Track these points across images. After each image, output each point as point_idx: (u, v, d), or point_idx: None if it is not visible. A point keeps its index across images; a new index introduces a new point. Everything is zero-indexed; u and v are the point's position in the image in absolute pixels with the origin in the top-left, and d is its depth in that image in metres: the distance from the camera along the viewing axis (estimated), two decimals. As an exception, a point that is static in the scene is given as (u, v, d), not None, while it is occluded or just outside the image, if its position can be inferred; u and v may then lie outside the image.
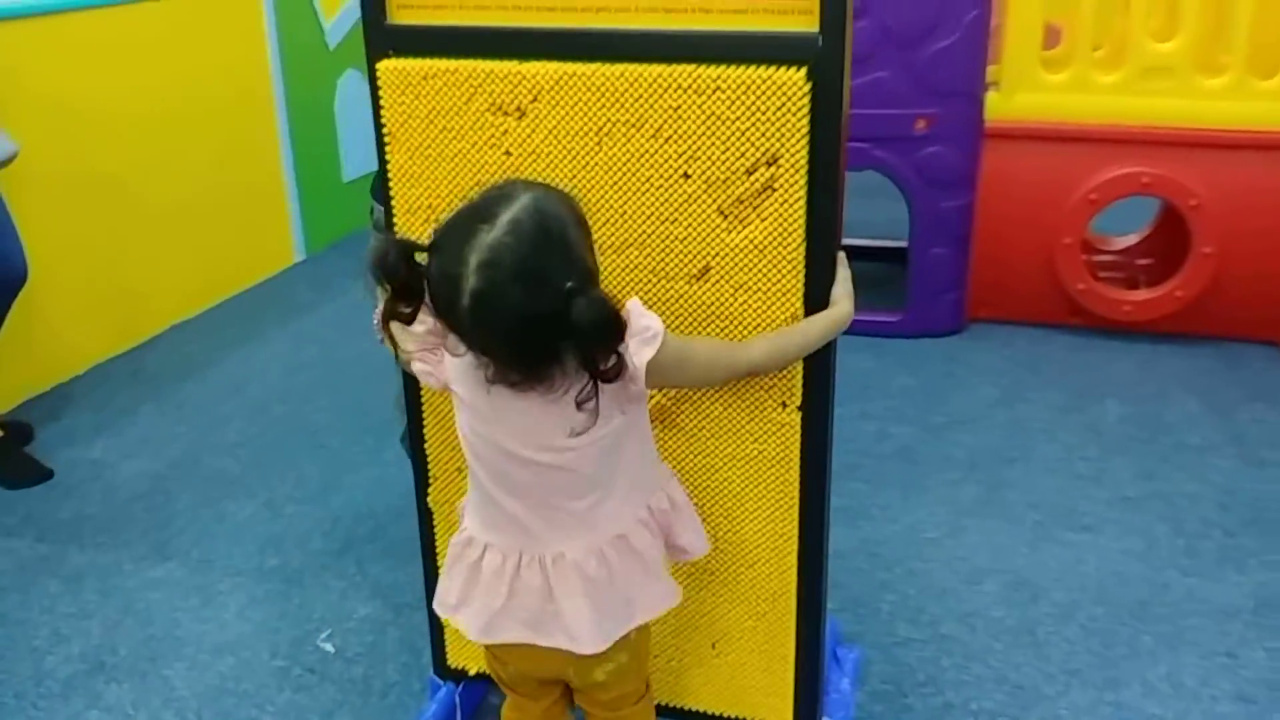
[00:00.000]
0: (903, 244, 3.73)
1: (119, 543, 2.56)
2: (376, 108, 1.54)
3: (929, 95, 3.40)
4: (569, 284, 1.21)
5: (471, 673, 1.89)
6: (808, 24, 1.34)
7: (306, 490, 2.77)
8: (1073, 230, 3.50)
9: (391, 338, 1.41)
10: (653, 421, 1.51)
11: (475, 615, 1.43)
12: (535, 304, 1.21)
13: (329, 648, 2.19)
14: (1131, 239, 3.92)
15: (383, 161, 1.57)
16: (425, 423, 1.72)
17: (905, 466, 2.86)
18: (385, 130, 1.54)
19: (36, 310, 3.13)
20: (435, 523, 1.79)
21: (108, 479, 2.83)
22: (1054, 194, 3.50)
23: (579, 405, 1.28)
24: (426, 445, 1.74)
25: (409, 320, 1.31)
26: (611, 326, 1.24)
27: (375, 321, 1.39)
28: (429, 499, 1.77)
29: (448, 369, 1.40)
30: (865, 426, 3.03)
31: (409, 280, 1.27)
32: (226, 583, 2.41)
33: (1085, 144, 3.44)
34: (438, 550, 1.81)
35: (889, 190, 3.58)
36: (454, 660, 1.90)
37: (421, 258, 1.27)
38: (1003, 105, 3.49)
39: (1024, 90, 3.46)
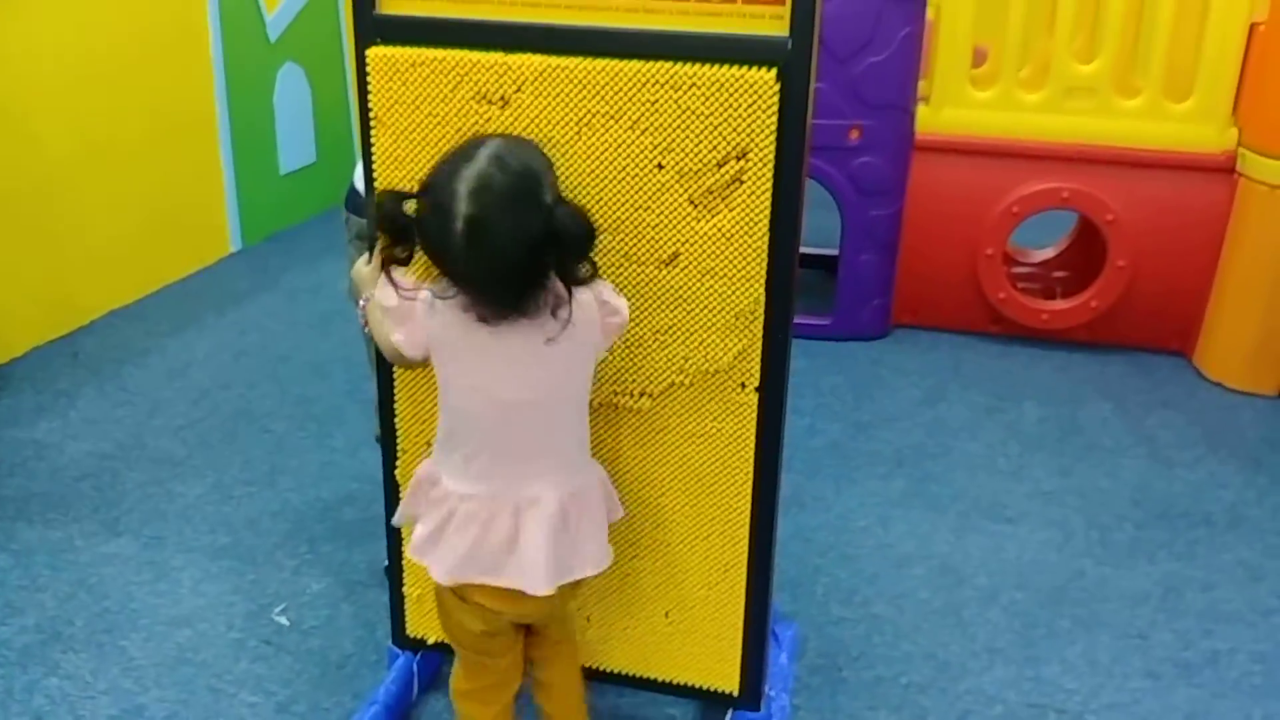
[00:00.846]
0: (833, 251, 3.87)
1: (68, 519, 2.58)
2: (364, 93, 1.61)
3: (862, 107, 3.54)
4: (548, 200, 1.41)
5: (430, 642, 1.95)
6: (779, 28, 1.45)
7: (254, 473, 2.81)
8: (995, 241, 3.66)
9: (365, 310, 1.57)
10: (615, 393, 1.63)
11: (443, 558, 1.52)
12: (524, 220, 1.38)
13: (284, 621, 2.24)
14: (1050, 252, 4.10)
15: (367, 145, 1.64)
16: (396, 398, 1.78)
17: (835, 460, 2.98)
18: (372, 115, 1.61)
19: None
20: (401, 495, 1.85)
21: (52, 459, 2.84)
22: (978, 206, 3.65)
23: (554, 312, 1.42)
24: (397, 420, 1.80)
25: (405, 261, 1.47)
26: (589, 232, 1.43)
27: (349, 285, 1.58)
28: (396, 472, 1.84)
29: (431, 328, 1.48)
30: (798, 421, 3.15)
31: (404, 225, 1.44)
32: (179, 559, 2.45)
33: (1009, 159, 3.60)
34: (403, 522, 1.87)
35: (820, 199, 3.71)
36: (413, 630, 1.97)
37: (410, 208, 1.43)
38: (932, 119, 3.63)
39: (952, 105, 3.62)
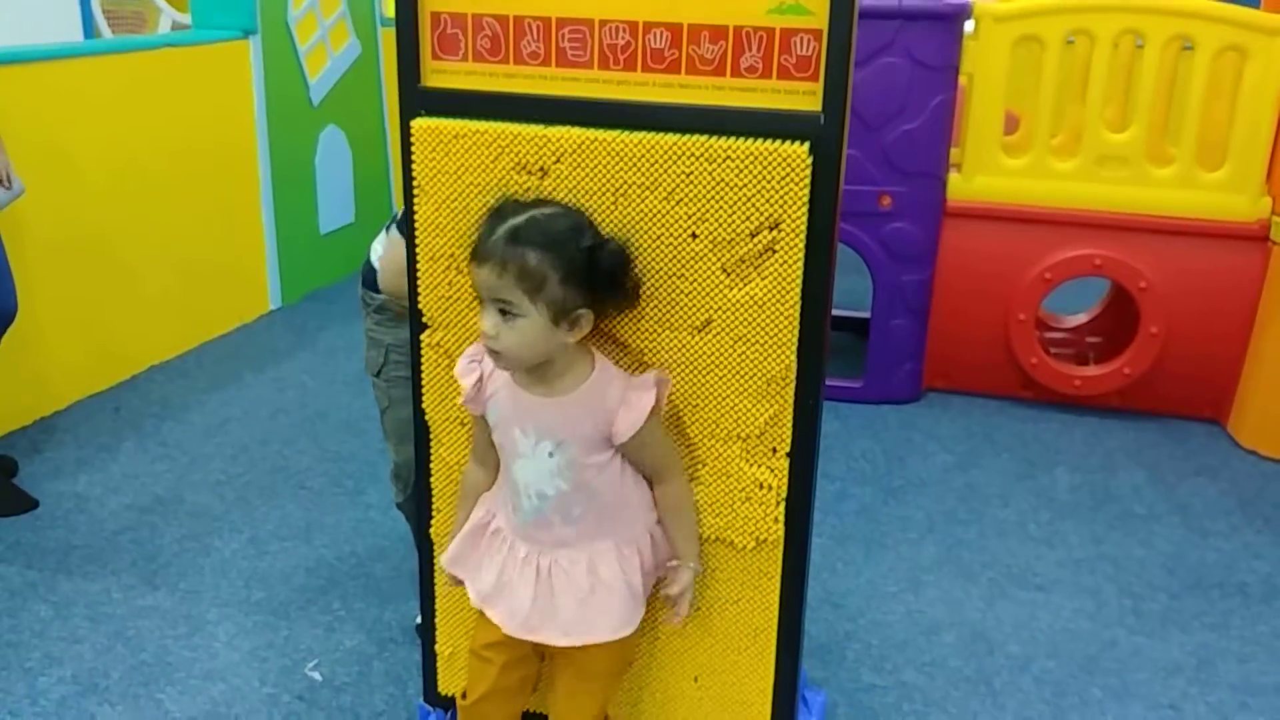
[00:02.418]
0: (865, 315, 3.89)
1: (107, 572, 2.62)
2: (407, 163, 1.66)
3: (894, 174, 3.58)
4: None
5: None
6: (811, 104, 1.49)
7: (290, 529, 2.84)
8: (1027, 307, 3.67)
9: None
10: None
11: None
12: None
13: (317, 676, 2.26)
14: (1082, 318, 4.11)
15: (410, 212, 1.68)
16: (431, 456, 1.82)
17: (866, 525, 2.98)
18: (415, 184, 1.66)
19: (21, 346, 3.19)
20: (436, 553, 1.88)
21: (92, 511, 2.89)
22: (1010, 272, 3.67)
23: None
24: (432, 479, 1.83)
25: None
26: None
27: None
28: (430, 530, 1.87)
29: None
30: (828, 486, 3.16)
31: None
32: (214, 613, 2.48)
33: (1041, 226, 3.63)
34: (436, 580, 1.90)
35: (853, 263, 3.74)
36: (444, 688, 1.98)
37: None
38: (964, 186, 3.67)
39: (984, 173, 3.65)
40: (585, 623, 1.59)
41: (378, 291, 2.13)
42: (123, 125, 3.73)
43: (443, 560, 1.70)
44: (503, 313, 1.46)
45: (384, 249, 2.08)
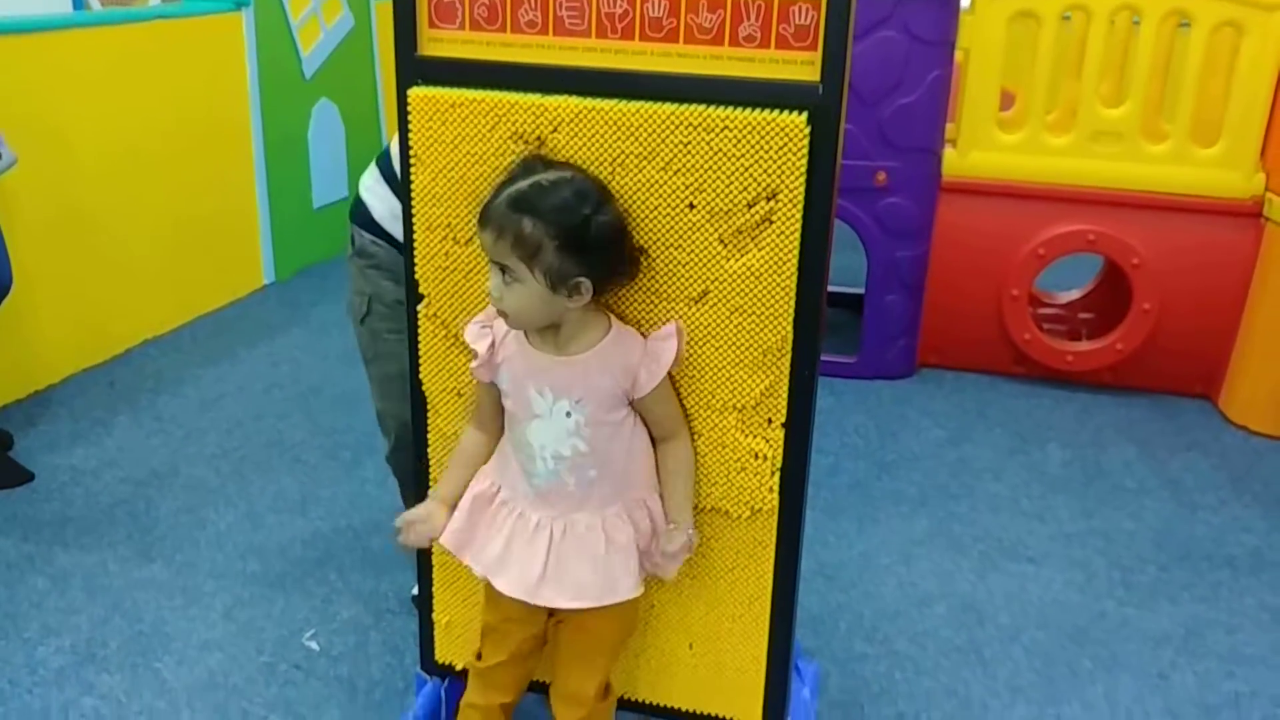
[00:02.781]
0: (859, 291, 3.90)
1: (103, 544, 2.63)
2: (404, 132, 1.66)
3: (889, 149, 3.58)
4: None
5: (458, 669, 1.98)
6: (810, 74, 1.49)
7: (285, 502, 2.85)
8: (1020, 283, 3.68)
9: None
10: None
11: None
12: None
13: (314, 646, 2.28)
14: (1075, 294, 4.13)
15: (406, 181, 1.68)
16: (429, 428, 1.82)
17: (859, 499, 3.00)
18: (412, 153, 1.66)
19: (14, 320, 3.19)
20: (433, 524, 1.89)
21: (88, 485, 2.90)
22: (1004, 248, 3.68)
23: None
24: (429, 450, 1.84)
25: None
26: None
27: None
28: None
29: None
30: (821, 460, 3.17)
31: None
32: (211, 585, 2.49)
33: (1035, 202, 3.64)
34: (433, 549, 1.91)
35: (847, 240, 3.75)
36: (441, 656, 1.99)
37: None
38: (959, 162, 3.67)
39: (979, 149, 3.66)
40: (600, 585, 1.61)
41: (366, 229, 2.11)
42: (115, 99, 3.72)
43: (444, 540, 1.70)
44: (504, 276, 1.48)
45: (372, 180, 2.09)
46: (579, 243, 1.48)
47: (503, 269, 1.48)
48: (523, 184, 1.49)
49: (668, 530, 1.65)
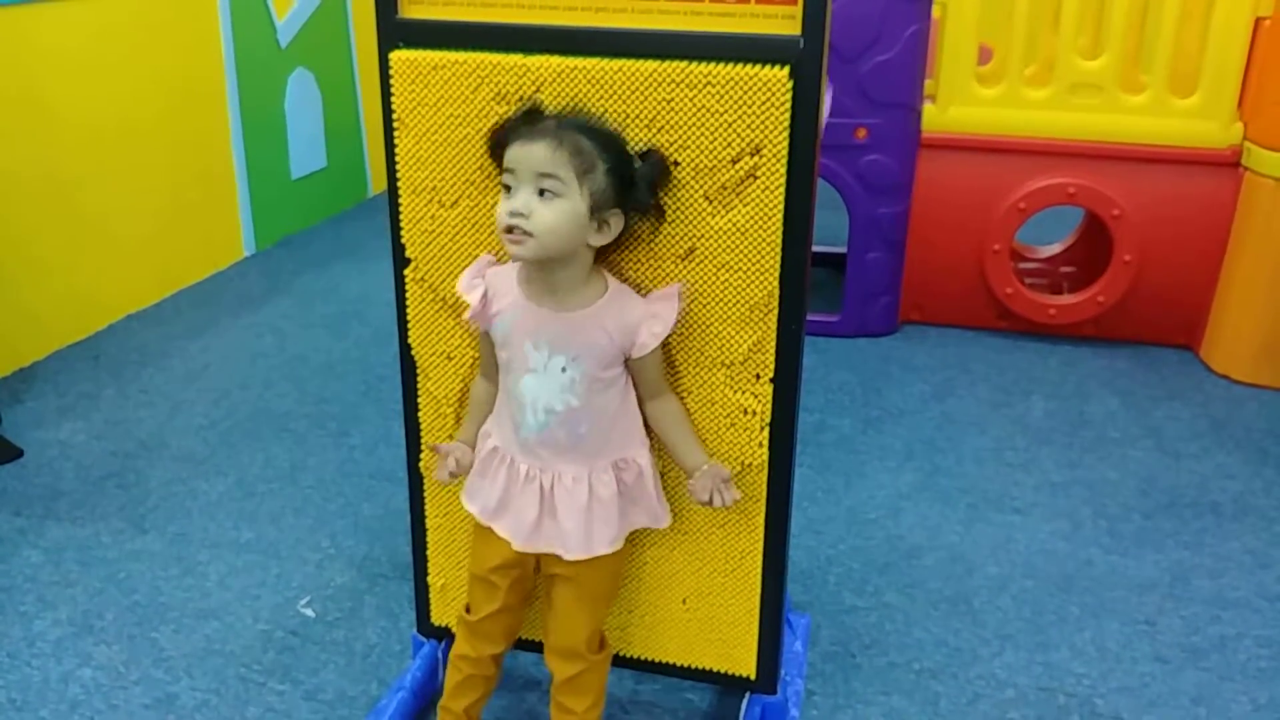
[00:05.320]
0: (841, 250, 3.91)
1: (95, 517, 2.63)
2: (386, 95, 1.66)
3: (868, 106, 3.58)
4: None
5: (454, 630, 1.99)
6: (791, 28, 1.49)
7: (275, 471, 2.86)
8: (1002, 237, 3.70)
9: None
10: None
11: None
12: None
13: (309, 613, 2.29)
14: (1056, 248, 4.15)
15: (390, 145, 1.68)
16: (420, 391, 1.83)
17: (845, 455, 3.02)
18: (395, 117, 1.66)
19: (-4, 296, 3.19)
20: (425, 488, 1.91)
21: (77, 458, 2.90)
22: (985, 202, 3.69)
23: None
24: (420, 413, 1.85)
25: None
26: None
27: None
28: (420, 464, 1.89)
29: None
30: (808, 418, 3.19)
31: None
32: (205, 554, 2.50)
33: (1015, 155, 3.64)
34: (426, 514, 1.92)
35: (828, 199, 3.75)
36: (437, 619, 2.01)
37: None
38: (938, 117, 3.68)
39: (958, 103, 3.66)
40: (587, 537, 1.63)
41: None
42: (91, 72, 3.68)
43: (462, 497, 1.74)
44: (541, 193, 1.47)
45: None
46: (627, 173, 1.51)
47: (543, 186, 1.47)
48: (566, 111, 1.54)
49: (701, 473, 1.67)
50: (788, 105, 1.51)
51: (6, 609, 2.30)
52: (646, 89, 1.54)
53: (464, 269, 1.68)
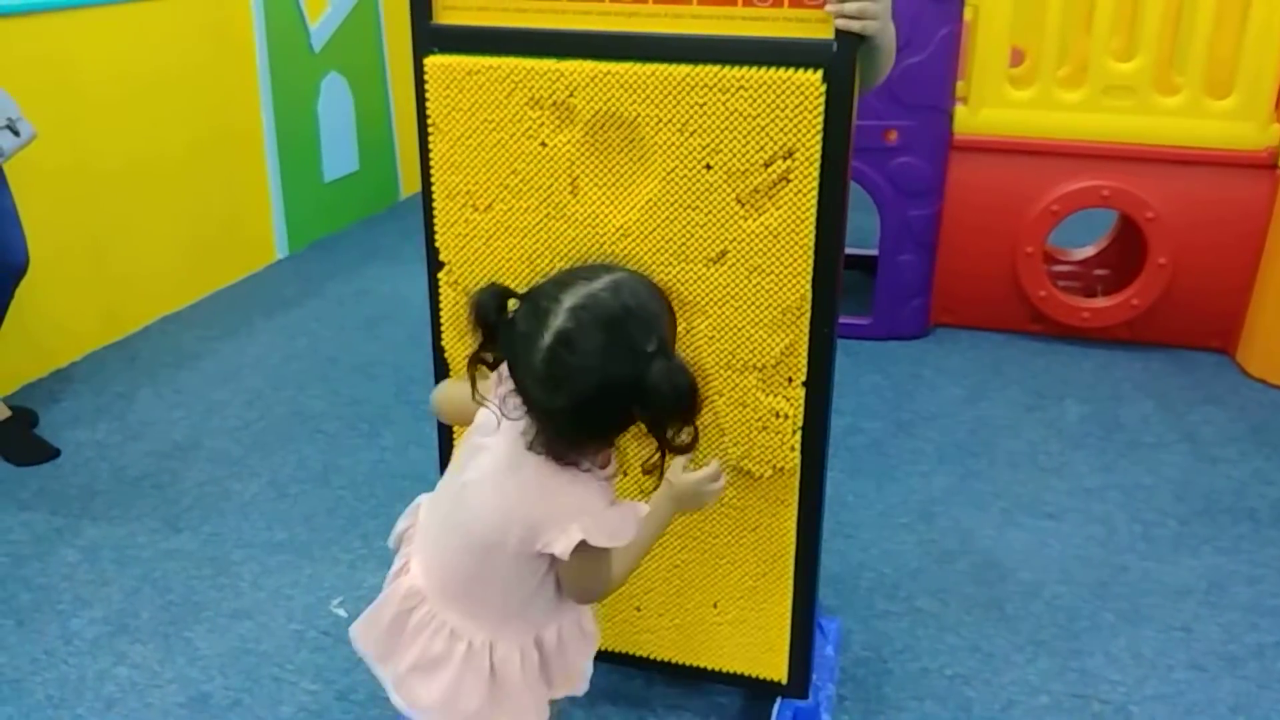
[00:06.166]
0: (872, 252, 3.90)
1: (130, 517, 2.66)
2: (421, 100, 1.66)
3: (900, 108, 3.57)
4: (650, 348, 1.30)
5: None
6: (824, 32, 1.49)
7: (308, 472, 2.88)
8: (1034, 240, 3.68)
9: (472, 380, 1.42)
10: None
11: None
12: (614, 357, 1.28)
13: (342, 613, 2.30)
14: (1089, 250, 4.12)
15: (425, 150, 1.69)
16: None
17: (877, 458, 3.01)
18: (429, 121, 1.67)
19: (33, 299, 3.21)
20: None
21: (113, 459, 2.93)
22: (1017, 205, 3.67)
23: (645, 470, 1.43)
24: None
25: (492, 366, 1.40)
26: (681, 393, 1.29)
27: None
28: (452, 467, 1.89)
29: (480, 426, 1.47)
30: (838, 421, 3.15)
31: (496, 325, 1.35)
32: (238, 554, 2.52)
33: (1048, 158, 3.62)
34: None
35: (860, 201, 3.74)
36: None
37: (511, 307, 1.35)
38: (970, 119, 3.66)
39: (990, 106, 3.64)
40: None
41: None
42: (125, 75, 3.72)
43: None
44: None
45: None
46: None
47: None
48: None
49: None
50: (820, 109, 1.50)
51: (44, 607, 2.32)
52: (679, 93, 1.55)
53: (496, 272, 1.69)
